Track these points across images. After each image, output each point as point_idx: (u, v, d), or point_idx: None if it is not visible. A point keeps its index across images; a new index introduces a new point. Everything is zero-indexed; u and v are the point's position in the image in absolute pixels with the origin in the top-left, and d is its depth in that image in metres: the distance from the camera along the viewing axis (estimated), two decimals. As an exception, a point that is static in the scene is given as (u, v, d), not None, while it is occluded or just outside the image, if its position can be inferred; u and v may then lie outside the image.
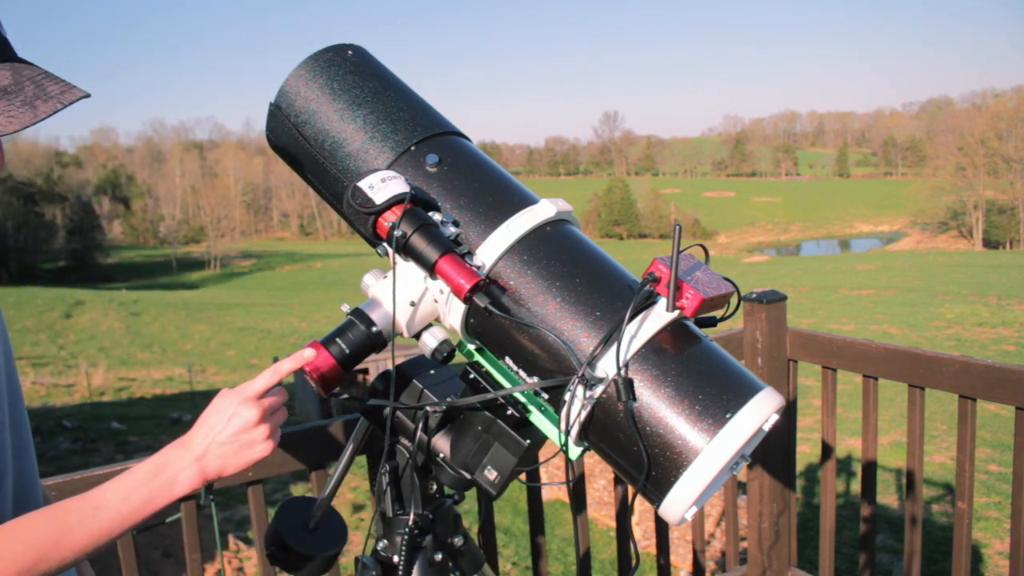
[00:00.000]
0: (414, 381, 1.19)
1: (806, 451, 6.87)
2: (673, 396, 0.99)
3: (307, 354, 1.09)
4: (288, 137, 1.21)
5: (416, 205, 1.05)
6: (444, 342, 1.11)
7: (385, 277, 1.12)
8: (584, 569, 2.33)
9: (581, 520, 2.54)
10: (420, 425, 1.18)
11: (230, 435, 1.04)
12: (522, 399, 1.13)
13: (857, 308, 19.56)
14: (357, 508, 8.01)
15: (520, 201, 1.12)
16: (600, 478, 7.05)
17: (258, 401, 1.05)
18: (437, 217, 1.07)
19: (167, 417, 14.76)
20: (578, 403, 1.03)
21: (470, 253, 1.08)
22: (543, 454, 1.23)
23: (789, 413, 2.71)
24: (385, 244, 1.08)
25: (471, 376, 1.15)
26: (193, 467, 1.02)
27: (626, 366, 1.00)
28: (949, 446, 7.69)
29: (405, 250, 1.04)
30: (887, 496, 6.68)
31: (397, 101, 1.20)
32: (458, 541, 1.30)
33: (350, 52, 1.23)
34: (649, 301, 1.04)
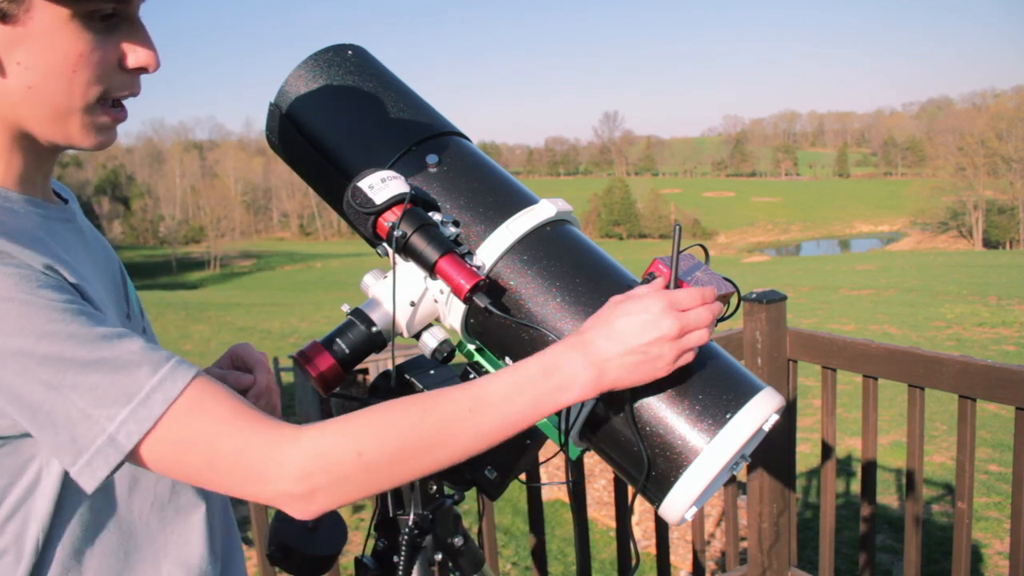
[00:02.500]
0: (414, 381, 1.19)
1: (806, 451, 6.87)
2: (673, 396, 0.99)
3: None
4: (288, 137, 1.21)
5: (416, 205, 1.05)
6: (444, 342, 1.11)
7: (385, 277, 1.12)
8: (584, 569, 2.33)
9: (581, 520, 2.54)
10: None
11: (640, 345, 0.88)
12: (522, 399, 1.13)
13: (857, 308, 19.55)
14: (357, 508, 8.01)
15: (520, 201, 1.12)
16: (600, 478, 7.04)
17: (682, 314, 0.90)
18: (437, 217, 1.07)
19: (167, 417, 14.72)
20: (578, 403, 1.03)
21: (470, 253, 1.08)
22: (543, 454, 1.23)
23: (789, 413, 2.71)
24: (385, 244, 1.08)
25: (471, 376, 1.15)
26: (589, 373, 0.87)
27: (626, 366, 1.00)
28: (949, 446, 7.68)
29: (405, 250, 1.04)
30: (887, 496, 6.67)
31: (397, 101, 1.20)
32: (458, 541, 1.30)
33: (350, 52, 1.23)
34: (649, 301, 1.04)
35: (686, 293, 0.92)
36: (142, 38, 0.87)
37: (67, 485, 0.86)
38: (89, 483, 0.77)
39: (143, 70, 0.88)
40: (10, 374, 0.74)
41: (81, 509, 0.89)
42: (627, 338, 0.88)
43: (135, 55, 0.86)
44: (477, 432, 0.85)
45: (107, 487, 0.90)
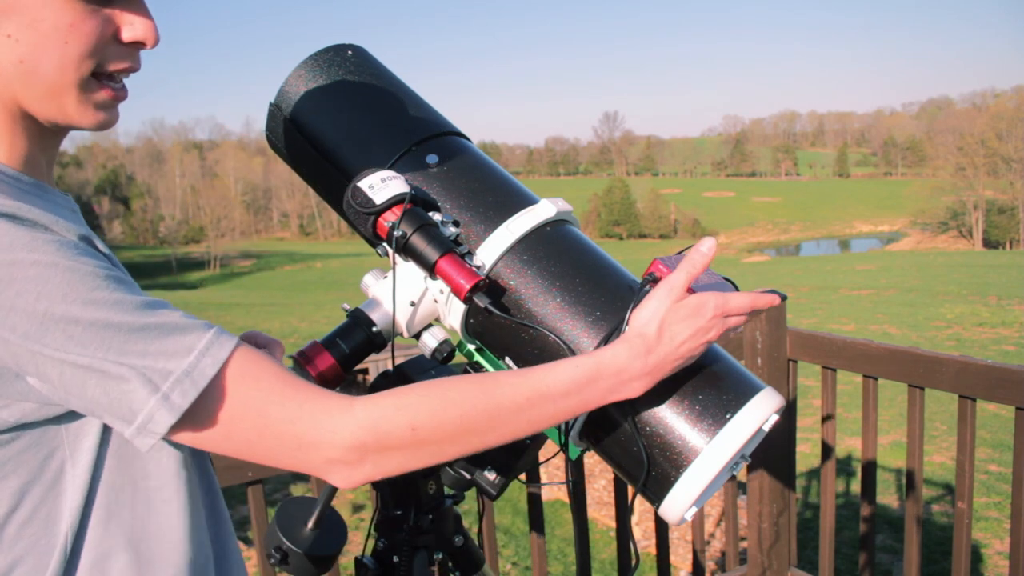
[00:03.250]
0: (414, 381, 1.19)
1: (806, 451, 6.86)
2: (673, 396, 0.99)
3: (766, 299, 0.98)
4: (288, 137, 1.21)
5: (416, 205, 1.05)
6: (444, 342, 1.11)
7: (385, 277, 1.12)
8: (584, 569, 2.33)
9: (581, 520, 2.55)
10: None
11: (687, 350, 0.93)
12: (522, 399, 1.13)
13: (857, 308, 19.53)
14: (357, 508, 8.01)
15: (520, 201, 1.12)
16: (600, 478, 7.04)
17: (726, 319, 0.94)
18: (437, 217, 1.07)
19: (167, 417, 14.68)
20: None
21: (470, 253, 1.08)
22: (543, 454, 1.23)
23: (789, 413, 2.72)
24: (385, 244, 1.08)
25: (471, 376, 1.15)
26: (643, 382, 0.91)
27: (626, 366, 1.00)
28: (949, 446, 7.68)
29: (405, 250, 1.04)
30: (887, 496, 6.67)
31: (397, 101, 1.20)
32: (458, 541, 1.30)
33: (350, 52, 1.23)
34: (649, 301, 1.04)
35: (743, 300, 0.96)
36: (139, 9, 0.83)
37: (93, 484, 0.83)
38: (143, 446, 0.76)
39: (140, 44, 0.85)
40: (53, 343, 0.71)
41: (116, 507, 0.84)
42: (681, 347, 0.92)
43: (131, 28, 0.83)
44: (529, 421, 0.87)
45: (137, 488, 0.86)
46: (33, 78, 0.79)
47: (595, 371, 0.89)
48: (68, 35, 0.79)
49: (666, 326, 0.92)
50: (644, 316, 0.94)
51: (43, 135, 0.87)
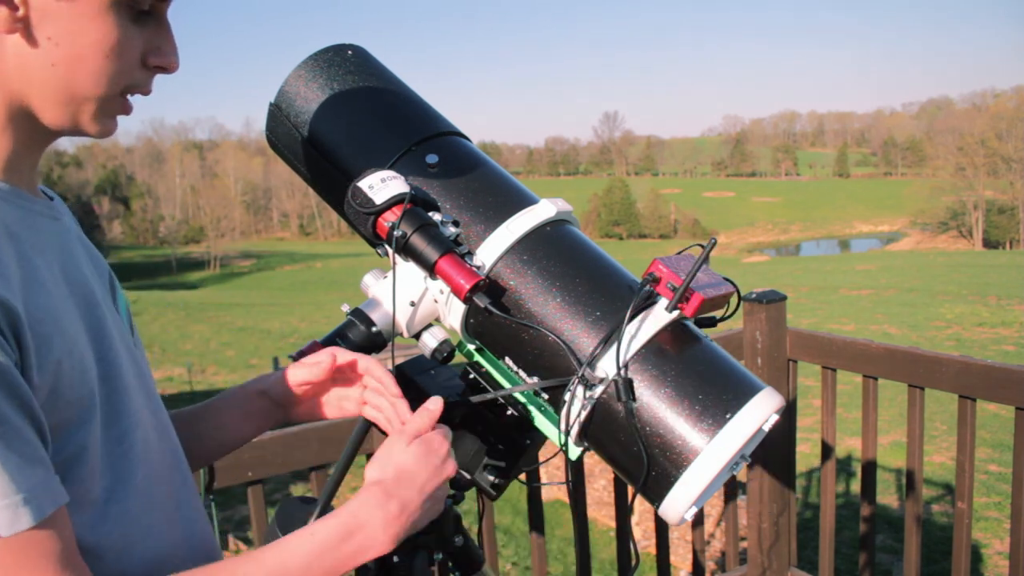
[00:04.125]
0: (414, 381, 1.19)
1: (806, 451, 6.86)
2: (673, 396, 0.99)
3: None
4: (288, 137, 1.21)
5: (416, 205, 1.05)
6: (444, 342, 1.11)
7: (385, 277, 1.12)
8: (584, 569, 2.33)
9: (581, 520, 2.55)
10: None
11: (432, 488, 0.94)
12: (522, 399, 1.13)
13: (857, 308, 19.52)
14: (357, 508, 7.99)
15: (520, 201, 1.12)
16: (600, 478, 7.04)
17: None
18: (437, 217, 1.07)
19: (167, 417, 14.67)
20: (578, 403, 1.03)
21: (470, 253, 1.08)
22: (543, 454, 1.23)
23: (789, 413, 2.72)
24: (385, 244, 1.08)
25: (471, 376, 1.15)
26: (389, 532, 0.90)
27: (626, 366, 1.00)
28: (949, 446, 7.68)
29: (405, 250, 1.04)
30: (887, 496, 6.67)
31: (397, 101, 1.20)
32: (458, 541, 1.29)
33: (350, 52, 1.23)
34: (649, 301, 1.04)
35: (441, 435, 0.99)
36: (168, 38, 0.86)
37: None
38: None
39: (164, 70, 0.87)
40: None
41: None
42: (426, 486, 0.94)
43: (159, 54, 0.86)
44: None
45: None
46: (59, 84, 0.80)
47: (337, 535, 0.87)
48: (110, 53, 0.80)
49: (402, 468, 0.93)
50: (376, 466, 0.95)
51: (35, 137, 0.85)
